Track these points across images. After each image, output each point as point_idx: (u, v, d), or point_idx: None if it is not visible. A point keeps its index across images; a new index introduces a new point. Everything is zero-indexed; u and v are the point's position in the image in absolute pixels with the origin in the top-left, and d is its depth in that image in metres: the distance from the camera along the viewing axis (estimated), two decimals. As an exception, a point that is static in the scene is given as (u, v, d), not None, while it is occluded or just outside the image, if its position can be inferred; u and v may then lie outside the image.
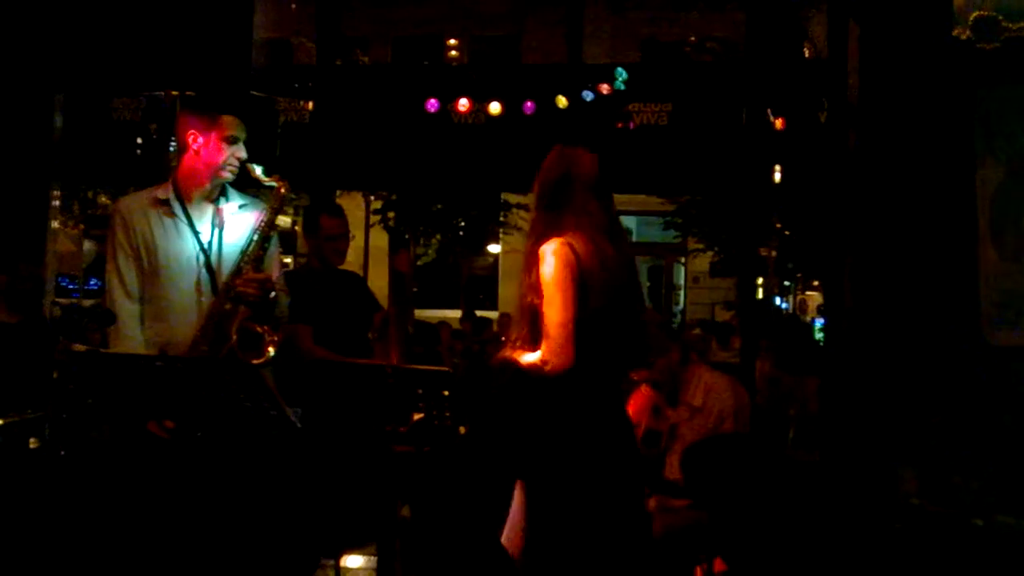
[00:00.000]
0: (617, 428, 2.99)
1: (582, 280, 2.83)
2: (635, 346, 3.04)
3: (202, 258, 3.15)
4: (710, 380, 4.38)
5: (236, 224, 3.19)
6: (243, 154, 3.18)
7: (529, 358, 2.86)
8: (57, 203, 6.01)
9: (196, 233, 3.17)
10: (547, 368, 2.80)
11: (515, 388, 3.00)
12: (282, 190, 3.22)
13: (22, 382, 4.11)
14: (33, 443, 3.74)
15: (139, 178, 5.50)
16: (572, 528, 2.85)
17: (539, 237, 2.92)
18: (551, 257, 2.83)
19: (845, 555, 3.92)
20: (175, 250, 3.15)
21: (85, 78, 5.81)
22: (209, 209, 3.20)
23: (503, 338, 3.25)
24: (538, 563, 2.91)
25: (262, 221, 3.17)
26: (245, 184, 3.27)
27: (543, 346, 2.80)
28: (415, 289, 16.72)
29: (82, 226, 15.32)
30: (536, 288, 2.85)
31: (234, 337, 3.00)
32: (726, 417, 4.30)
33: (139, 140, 6.04)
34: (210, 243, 3.15)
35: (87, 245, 16.01)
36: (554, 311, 2.79)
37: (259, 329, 3.03)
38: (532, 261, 2.90)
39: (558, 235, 2.88)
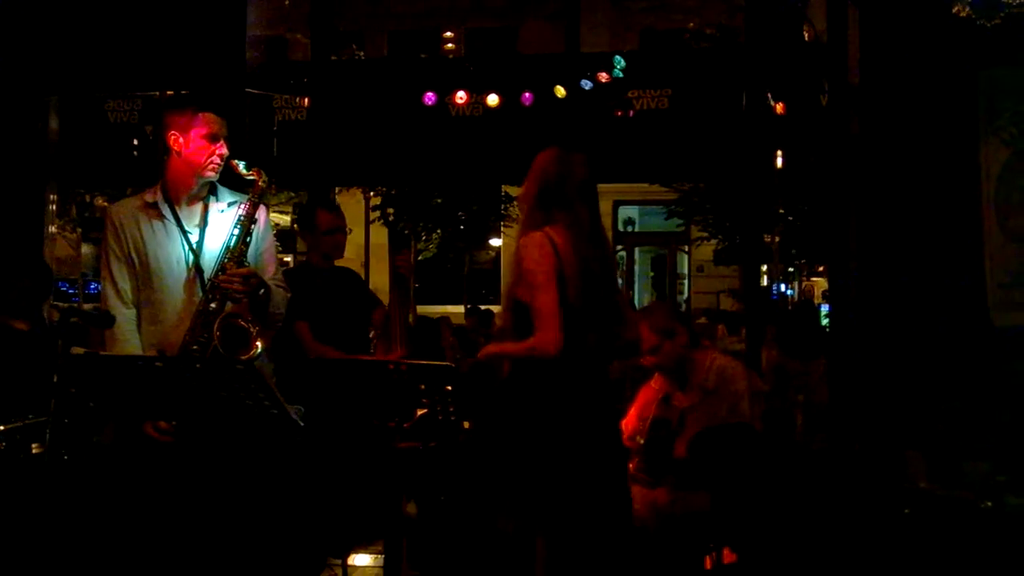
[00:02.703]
0: (603, 411, 3.15)
1: (560, 270, 2.97)
2: (615, 336, 3.18)
3: (192, 259, 3.13)
4: (723, 362, 4.33)
5: (224, 222, 3.18)
6: (225, 151, 3.15)
7: (521, 345, 2.98)
8: (54, 207, 5.98)
9: (186, 234, 3.15)
10: (539, 351, 2.93)
11: (509, 378, 3.11)
12: (260, 182, 3.18)
13: (26, 387, 4.09)
14: (35, 448, 3.73)
15: (136, 180, 5.48)
16: (559, 503, 2.97)
17: (525, 232, 3.08)
18: (531, 248, 3.00)
19: (854, 541, 3.89)
20: (165, 253, 3.14)
21: (79, 80, 5.78)
22: (199, 209, 3.19)
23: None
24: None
25: (241, 215, 3.14)
26: (238, 181, 3.24)
27: (535, 331, 2.94)
28: (416, 285, 16.70)
29: (79, 230, 15.26)
30: (521, 279, 3.00)
31: (216, 334, 2.98)
32: (740, 398, 4.26)
33: (135, 141, 6.01)
34: (199, 243, 3.14)
35: (85, 249, 15.94)
36: (541, 297, 2.94)
37: (243, 324, 3.00)
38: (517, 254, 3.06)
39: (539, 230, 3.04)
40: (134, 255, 3.14)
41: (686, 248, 17.68)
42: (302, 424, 2.90)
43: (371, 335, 4.59)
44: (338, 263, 4.55)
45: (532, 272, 2.97)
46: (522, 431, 3.02)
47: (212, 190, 3.22)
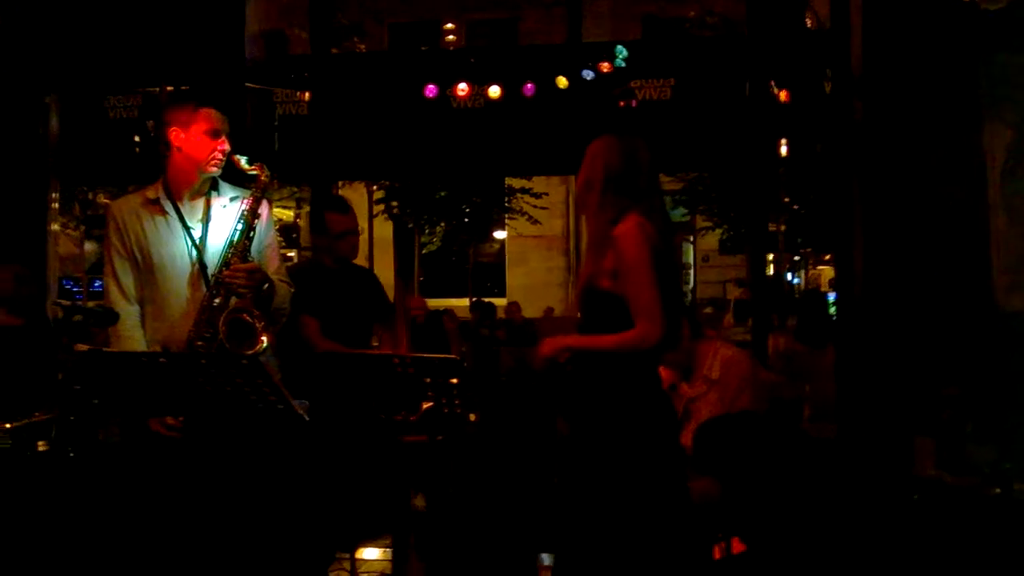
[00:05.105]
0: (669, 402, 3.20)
1: (655, 259, 2.94)
2: (677, 328, 3.15)
3: (195, 254, 3.14)
4: (727, 353, 4.34)
5: (227, 217, 3.17)
6: (227, 146, 3.15)
7: (622, 337, 2.92)
8: (56, 205, 5.98)
9: (188, 230, 3.15)
10: (647, 343, 2.89)
11: (589, 372, 3.03)
12: (263, 177, 3.18)
13: (29, 385, 4.09)
14: (42, 446, 3.73)
15: (138, 176, 5.47)
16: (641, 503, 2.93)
17: (612, 221, 2.99)
18: (631, 238, 2.93)
19: (864, 529, 3.89)
20: (168, 249, 3.14)
21: (79, 77, 5.77)
22: (201, 204, 3.19)
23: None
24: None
25: (244, 210, 3.14)
26: (240, 176, 3.23)
27: (637, 322, 2.89)
28: (421, 278, 16.76)
29: (83, 227, 15.30)
30: (615, 271, 2.94)
31: (222, 329, 2.97)
32: (745, 388, 4.26)
33: (136, 138, 6.00)
34: (202, 239, 3.14)
35: (88, 246, 15.98)
36: (646, 286, 2.89)
37: (249, 319, 3.00)
38: (606, 244, 2.97)
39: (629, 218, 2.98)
40: (137, 252, 3.14)
41: (691, 238, 17.66)
42: (308, 419, 2.89)
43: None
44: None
45: (635, 264, 2.91)
46: (625, 425, 2.97)
47: (214, 185, 3.22)
